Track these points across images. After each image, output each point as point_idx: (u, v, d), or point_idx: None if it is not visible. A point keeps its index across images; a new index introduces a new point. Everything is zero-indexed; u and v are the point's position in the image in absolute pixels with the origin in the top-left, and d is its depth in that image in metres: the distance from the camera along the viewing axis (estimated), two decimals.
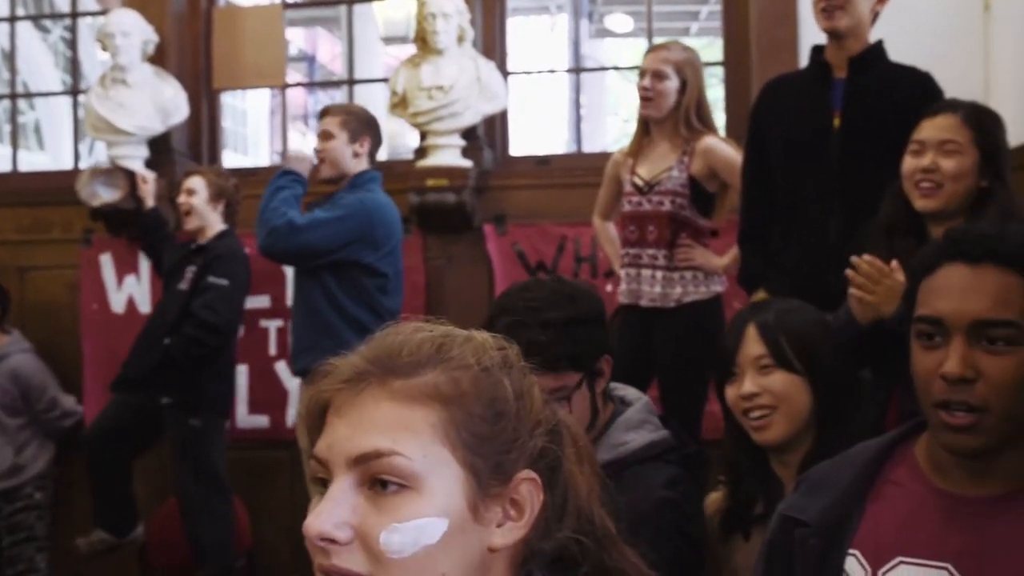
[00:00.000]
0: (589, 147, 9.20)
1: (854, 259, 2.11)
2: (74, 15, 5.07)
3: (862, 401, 1.88)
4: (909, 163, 2.26)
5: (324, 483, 0.89)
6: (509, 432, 0.90)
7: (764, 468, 1.82)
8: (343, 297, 3.41)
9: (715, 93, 4.48)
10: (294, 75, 10.59)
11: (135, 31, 4.13)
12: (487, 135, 4.18)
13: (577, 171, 4.05)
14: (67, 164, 4.94)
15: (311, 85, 11.57)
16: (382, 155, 3.78)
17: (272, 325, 4.15)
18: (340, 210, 3.39)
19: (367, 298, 3.42)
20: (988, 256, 1.22)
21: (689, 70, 3.23)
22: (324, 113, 3.61)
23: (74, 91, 5.01)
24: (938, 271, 1.26)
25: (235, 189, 3.87)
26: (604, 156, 3.61)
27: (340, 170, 3.51)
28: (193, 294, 3.68)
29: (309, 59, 11.79)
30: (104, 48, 4.20)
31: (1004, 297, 1.21)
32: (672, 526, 1.68)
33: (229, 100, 8.38)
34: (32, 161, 7.16)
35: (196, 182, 3.80)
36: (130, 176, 4.11)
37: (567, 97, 10.33)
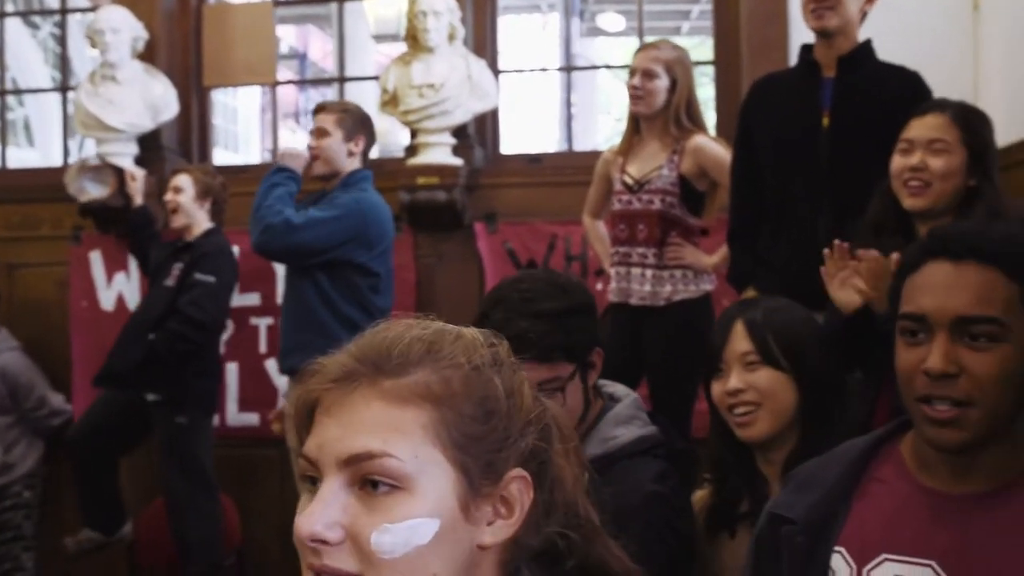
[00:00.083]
0: (580, 146, 9.17)
1: (838, 243, 2.12)
2: (64, 11, 5.04)
3: (848, 400, 1.88)
4: (898, 162, 2.28)
5: (313, 481, 0.89)
6: (500, 431, 0.90)
7: (749, 466, 1.82)
8: (336, 296, 3.40)
9: (706, 92, 4.48)
10: (285, 72, 10.58)
11: (125, 28, 4.11)
12: (478, 133, 4.18)
13: (568, 170, 4.05)
14: (56, 161, 4.92)
15: (302, 83, 11.53)
16: (372, 153, 3.77)
17: (262, 323, 4.14)
18: (336, 209, 3.38)
19: (359, 297, 3.41)
20: (971, 253, 1.23)
21: (679, 69, 3.23)
22: (319, 109, 3.59)
23: (63, 88, 4.99)
24: (922, 268, 1.26)
25: (222, 187, 3.85)
26: (595, 155, 3.60)
27: (334, 168, 3.50)
28: (179, 291, 3.68)
29: (300, 56, 11.77)
30: (94, 45, 4.19)
31: (986, 294, 1.22)
32: (661, 520, 1.68)
33: (220, 97, 8.35)
34: (21, 158, 7.12)
35: (183, 180, 3.79)
36: (119, 173, 4.10)
37: (558, 96, 10.30)
